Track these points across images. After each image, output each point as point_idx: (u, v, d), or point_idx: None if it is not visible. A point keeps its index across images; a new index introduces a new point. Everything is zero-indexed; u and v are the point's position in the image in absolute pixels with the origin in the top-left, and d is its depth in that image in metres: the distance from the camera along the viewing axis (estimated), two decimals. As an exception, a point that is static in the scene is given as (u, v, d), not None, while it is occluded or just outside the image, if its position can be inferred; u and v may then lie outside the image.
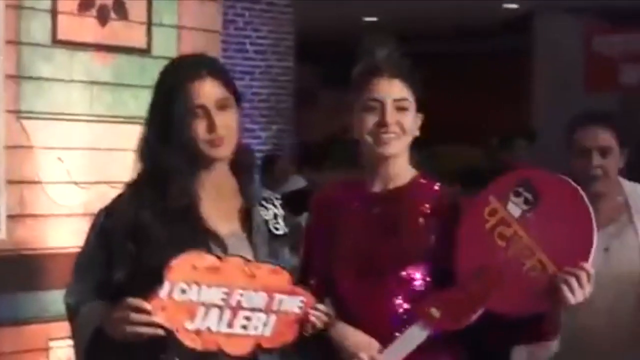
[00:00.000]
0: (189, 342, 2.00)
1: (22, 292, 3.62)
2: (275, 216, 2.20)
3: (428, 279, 2.19)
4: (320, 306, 2.10)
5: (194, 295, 2.00)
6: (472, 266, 2.11)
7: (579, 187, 2.15)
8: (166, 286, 1.98)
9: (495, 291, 2.08)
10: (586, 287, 2.02)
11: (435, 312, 2.10)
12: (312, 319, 2.08)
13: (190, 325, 2.00)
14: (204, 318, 2.01)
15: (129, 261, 2.06)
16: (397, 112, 2.21)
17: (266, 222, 2.18)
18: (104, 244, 2.11)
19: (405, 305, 2.19)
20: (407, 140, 2.25)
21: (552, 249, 2.07)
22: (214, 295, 2.01)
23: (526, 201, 2.11)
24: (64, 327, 2.20)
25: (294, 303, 2.07)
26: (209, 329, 2.01)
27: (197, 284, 2.00)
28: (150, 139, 2.12)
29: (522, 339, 2.16)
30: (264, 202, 2.20)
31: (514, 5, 10.24)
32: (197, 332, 2.00)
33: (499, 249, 2.10)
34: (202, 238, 2.07)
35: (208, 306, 2.01)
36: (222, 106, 2.09)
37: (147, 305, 1.95)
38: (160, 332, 1.96)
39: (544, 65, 10.17)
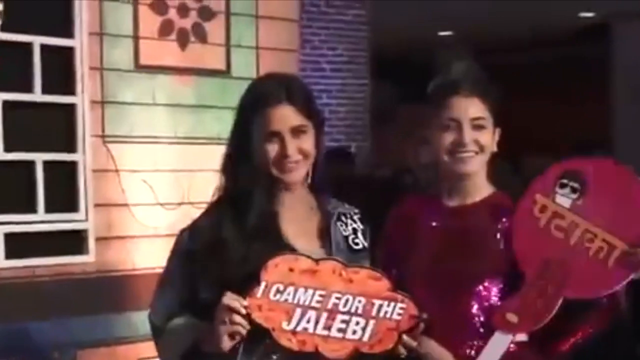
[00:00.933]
0: (286, 342, 1.99)
1: (112, 313, 3.65)
2: (355, 231, 2.20)
3: (504, 292, 2.17)
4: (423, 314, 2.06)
5: (290, 297, 2.00)
6: (536, 264, 2.11)
7: (621, 164, 2.16)
8: (262, 286, 1.99)
9: (566, 281, 2.08)
10: None
11: (512, 317, 2.10)
12: (416, 335, 2.03)
13: (287, 326, 1.99)
14: (300, 319, 2.00)
15: (213, 278, 2.04)
16: (474, 130, 2.19)
17: (346, 237, 2.17)
18: (186, 262, 2.12)
19: (482, 318, 2.16)
20: (485, 157, 2.24)
21: (613, 226, 2.08)
22: (310, 297, 2.00)
23: (573, 190, 2.13)
24: (152, 346, 2.18)
25: (394, 310, 2.04)
26: (305, 330, 2.00)
27: (293, 285, 2.00)
28: (230, 159, 2.13)
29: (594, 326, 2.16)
30: (342, 218, 2.19)
31: (590, 14, 10.05)
32: (294, 333, 2.00)
33: (559, 242, 2.11)
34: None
35: (304, 308, 2.01)
36: (297, 132, 2.10)
37: (242, 305, 1.95)
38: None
39: (622, 73, 9.94)
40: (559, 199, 2.13)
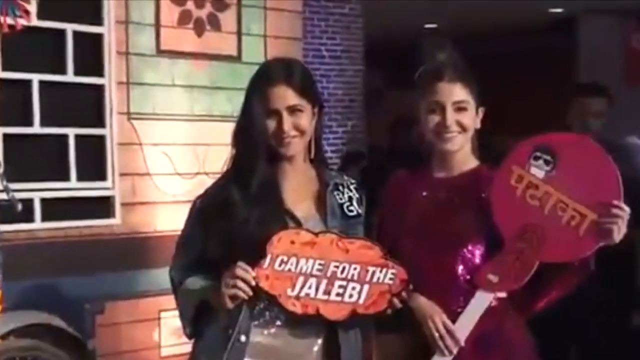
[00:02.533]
0: (290, 306, 1.99)
1: (135, 270, 3.65)
2: (350, 199, 2.17)
3: (486, 254, 2.15)
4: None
5: (293, 266, 2.00)
6: (514, 229, 2.08)
7: (589, 138, 2.14)
8: (268, 258, 1.99)
9: (542, 246, 2.06)
10: (625, 224, 2.00)
11: (493, 277, 2.08)
12: (404, 293, 2.02)
13: (291, 292, 1.99)
14: (302, 286, 2.00)
15: (221, 237, 2.05)
16: (456, 112, 2.17)
17: (341, 205, 2.15)
18: (200, 223, 2.12)
19: (467, 277, 2.15)
20: (468, 135, 2.21)
21: (583, 198, 2.05)
22: (311, 266, 2.01)
23: (546, 162, 2.09)
24: (173, 299, 2.17)
25: (386, 275, 2.04)
26: (307, 295, 2.00)
27: (296, 256, 2.00)
28: (238, 134, 2.12)
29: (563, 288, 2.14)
30: (339, 187, 2.18)
31: (559, 10, 9.98)
32: (297, 298, 2.00)
33: (534, 209, 2.08)
34: (282, 218, 2.07)
35: (306, 276, 2.01)
36: (294, 110, 2.09)
37: (251, 274, 1.96)
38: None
39: (588, 66, 9.89)
40: (534, 170, 2.09)
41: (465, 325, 2.08)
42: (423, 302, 2.11)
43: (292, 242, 2.00)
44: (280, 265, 1.99)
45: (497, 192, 2.12)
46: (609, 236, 2.00)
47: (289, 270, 1.99)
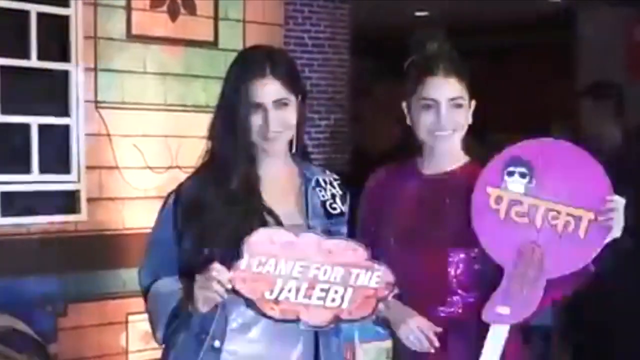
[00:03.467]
0: (269, 310, 1.98)
1: (102, 270, 3.63)
2: (333, 196, 2.17)
3: (472, 254, 2.14)
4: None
5: (272, 268, 1.98)
6: (510, 254, 2.05)
7: (559, 139, 2.12)
8: (245, 259, 1.97)
9: (544, 262, 2.03)
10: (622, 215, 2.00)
11: (503, 309, 2.05)
12: (390, 297, 2.03)
13: (269, 296, 1.97)
14: (281, 289, 1.98)
15: (196, 236, 2.04)
16: (451, 109, 2.15)
17: (324, 202, 2.15)
18: (173, 221, 2.10)
19: (455, 281, 2.14)
20: (461, 134, 2.21)
21: (573, 199, 2.03)
22: (291, 268, 1.99)
23: (522, 175, 2.07)
24: (142, 302, 2.16)
25: (371, 278, 2.02)
26: (287, 299, 1.98)
27: (275, 257, 1.98)
28: (217, 127, 2.10)
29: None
30: (322, 184, 2.17)
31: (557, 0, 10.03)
32: (276, 302, 1.98)
33: (524, 227, 2.05)
34: (261, 216, 2.05)
35: (285, 279, 1.99)
36: (279, 105, 2.08)
37: (226, 276, 1.94)
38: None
39: (587, 56, 9.94)
40: (512, 187, 2.06)
41: None
42: (402, 308, 2.11)
43: (272, 242, 1.99)
44: (258, 266, 1.97)
45: (479, 219, 2.07)
46: (610, 231, 1.99)
47: (267, 272, 1.97)
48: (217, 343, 2.01)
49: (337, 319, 2.01)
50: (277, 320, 1.99)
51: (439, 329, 2.08)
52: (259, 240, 1.98)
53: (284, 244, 1.99)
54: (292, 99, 2.10)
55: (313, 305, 1.99)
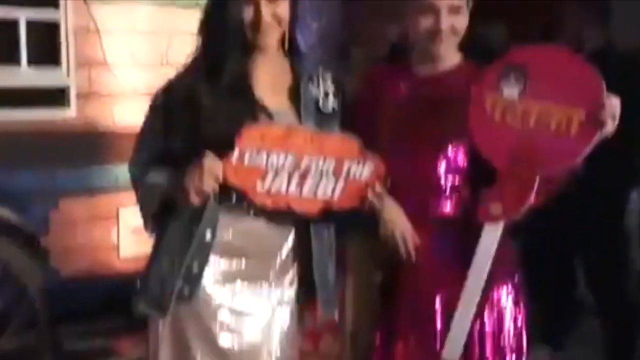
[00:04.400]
0: (260, 201, 2.01)
1: (93, 165, 3.65)
2: (326, 93, 2.16)
3: (464, 153, 2.16)
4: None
5: (263, 161, 2.00)
6: (504, 155, 2.09)
7: (550, 44, 2.15)
8: (237, 152, 1.99)
9: (537, 161, 2.07)
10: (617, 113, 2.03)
11: (496, 208, 2.08)
12: (377, 188, 2.05)
13: (261, 188, 2.00)
14: (273, 181, 2.00)
15: (186, 131, 2.05)
16: (450, 15, 2.14)
17: (316, 99, 2.14)
18: (163, 116, 2.10)
19: (448, 179, 2.16)
20: (459, 38, 2.19)
21: (565, 98, 2.07)
22: (283, 160, 2.01)
23: (517, 79, 2.10)
24: (132, 196, 2.19)
25: (363, 170, 2.05)
26: (278, 191, 2.01)
27: (267, 150, 2.00)
28: (207, 22, 2.09)
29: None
30: (315, 80, 2.16)
31: None
32: (268, 193, 2.00)
33: (518, 129, 2.09)
34: (253, 112, 2.06)
35: (277, 170, 2.00)
36: None
37: (219, 166, 1.96)
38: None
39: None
40: (507, 92, 2.10)
41: (481, 263, 2.08)
42: (393, 209, 2.12)
43: (263, 136, 2.00)
44: (249, 159, 1.99)
45: (475, 123, 2.11)
46: (602, 127, 2.02)
47: (259, 164, 1.99)
48: (208, 235, 2.04)
49: (327, 209, 2.03)
50: (269, 210, 2.01)
51: (418, 241, 2.12)
52: (250, 134, 1.99)
53: (275, 138, 2.00)
54: None
55: (304, 196, 2.01)
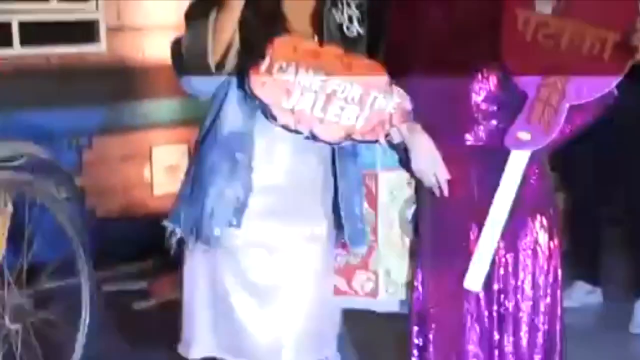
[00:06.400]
0: (283, 118, 1.94)
1: (124, 102, 3.62)
2: (350, 18, 2.08)
3: (503, 83, 2.06)
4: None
5: (292, 76, 1.94)
6: (535, 78, 2.00)
7: None
8: (267, 61, 1.92)
9: (567, 85, 1.99)
10: None
11: (524, 135, 2.01)
12: (403, 126, 1.98)
13: (286, 104, 1.94)
14: (299, 99, 1.94)
15: None
16: None
17: (340, 25, 2.06)
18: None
19: (481, 106, 2.08)
20: None
21: (600, 18, 1.97)
22: (311, 79, 1.95)
23: None
24: (164, 134, 2.13)
25: (389, 103, 1.98)
26: (302, 111, 1.95)
27: (296, 64, 1.94)
28: None
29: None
30: (338, 4, 2.07)
31: None
32: (292, 111, 1.94)
33: (550, 49, 2.00)
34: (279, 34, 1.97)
35: (304, 89, 1.94)
36: None
37: None
38: None
39: None
40: (540, 7, 2.00)
41: (506, 191, 2.02)
42: (423, 144, 2.06)
43: (295, 49, 1.94)
44: (278, 71, 1.93)
45: (506, 42, 2.02)
46: (636, 52, 1.94)
47: (287, 79, 1.93)
48: (251, 160, 1.97)
49: (348, 137, 1.98)
50: (290, 131, 1.95)
51: (448, 176, 2.06)
52: (283, 44, 1.93)
53: (306, 52, 1.94)
54: None
55: (327, 120, 1.96)
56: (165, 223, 2.04)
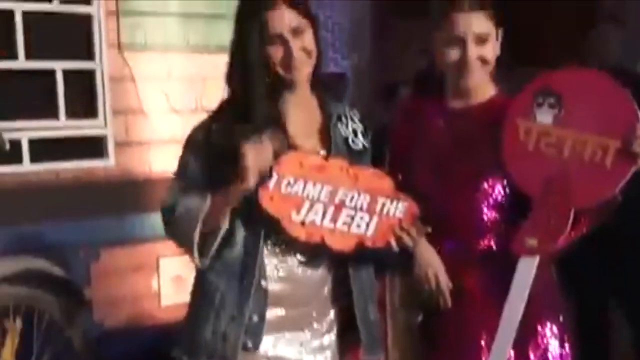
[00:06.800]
0: (294, 231, 1.98)
1: (131, 214, 3.65)
2: (355, 131, 2.14)
3: (508, 190, 2.12)
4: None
5: (300, 190, 1.99)
6: (538, 185, 2.05)
7: (588, 68, 2.15)
8: (274, 178, 1.97)
9: (572, 192, 2.03)
10: None
11: (531, 241, 2.04)
12: (412, 230, 2.00)
13: (296, 217, 1.98)
14: (308, 211, 1.97)
15: (226, 179, 1.99)
16: (478, 45, 2.11)
17: (345, 139, 2.12)
18: (200, 159, 2.06)
19: (488, 215, 2.13)
20: (489, 68, 2.16)
21: (600, 128, 2.02)
22: (319, 191, 2.00)
23: (551, 105, 2.06)
24: (171, 245, 2.15)
25: (397, 208, 2.02)
26: (313, 222, 1.99)
27: (304, 179, 1.98)
28: (234, 65, 2.08)
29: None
30: (342, 119, 2.14)
31: None
32: (302, 224, 1.98)
33: (552, 157, 2.05)
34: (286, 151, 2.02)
35: (313, 201, 1.98)
36: (297, 32, 2.04)
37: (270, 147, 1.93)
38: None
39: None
40: (540, 118, 2.06)
41: (516, 298, 2.04)
42: (426, 250, 2.10)
43: (301, 165, 1.99)
44: (286, 187, 1.97)
45: (508, 152, 2.08)
46: (638, 160, 1.98)
47: (295, 193, 1.98)
48: (263, 281, 2.00)
49: (360, 246, 2.01)
50: (302, 243, 1.99)
51: (450, 285, 2.09)
52: (289, 161, 1.98)
53: (312, 167, 2.00)
54: (308, 25, 2.07)
55: (338, 229, 1.99)
56: (174, 354, 2.03)
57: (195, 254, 1.99)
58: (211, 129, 2.08)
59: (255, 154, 1.92)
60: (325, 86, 2.16)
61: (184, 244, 2.02)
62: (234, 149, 1.99)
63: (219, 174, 2.02)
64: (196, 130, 2.12)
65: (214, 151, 2.04)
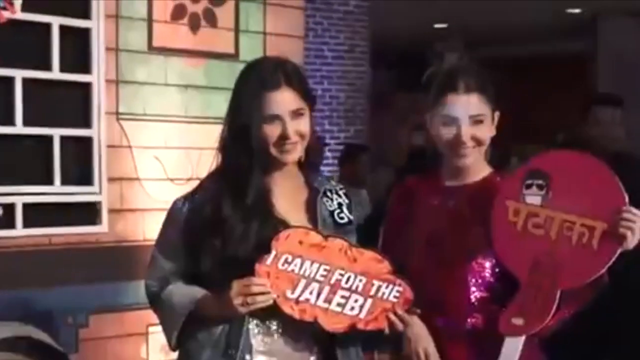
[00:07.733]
0: (288, 309, 1.99)
1: (122, 281, 3.63)
2: (340, 205, 2.17)
3: (497, 269, 2.14)
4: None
5: (297, 267, 2.00)
6: (525, 265, 2.08)
7: (575, 151, 2.17)
8: (272, 255, 1.99)
9: (558, 273, 2.05)
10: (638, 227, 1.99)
11: (517, 320, 2.06)
12: (406, 316, 2.02)
13: (290, 294, 1.99)
14: (303, 290, 2.00)
15: (214, 253, 2.03)
16: (472, 126, 2.15)
17: (331, 212, 2.15)
18: (185, 234, 2.09)
19: (477, 294, 2.14)
20: (483, 149, 2.21)
21: (587, 209, 2.05)
22: (316, 270, 2.01)
23: (539, 187, 2.10)
24: (160, 313, 2.15)
25: (391, 292, 2.03)
26: (307, 301, 2.00)
27: (301, 257, 2.00)
28: (228, 138, 2.10)
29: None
30: (328, 194, 2.17)
31: (577, 10, 9.99)
32: (296, 302, 2.00)
33: (540, 238, 2.08)
34: (274, 229, 2.04)
35: (309, 280, 2.00)
36: (296, 115, 2.08)
37: (267, 284, 1.96)
38: (271, 297, 1.97)
39: (608, 68, 9.89)
40: (529, 199, 2.10)
41: None
42: (416, 326, 2.10)
43: (300, 242, 2.01)
44: (283, 264, 1.99)
45: (497, 232, 2.11)
46: (624, 241, 2.00)
47: (292, 270, 1.99)
48: (247, 357, 2.01)
49: (352, 327, 2.01)
50: (295, 320, 1.99)
51: None
52: (289, 238, 2.00)
53: (312, 245, 2.01)
54: (306, 108, 2.10)
55: (332, 310, 2.00)
56: None
57: (172, 345, 2.09)
58: (196, 202, 2.09)
59: (242, 289, 1.95)
60: (313, 165, 2.19)
61: (164, 329, 2.13)
62: (218, 221, 2.01)
63: (199, 244, 2.03)
64: (180, 200, 2.14)
65: (196, 223, 2.05)
